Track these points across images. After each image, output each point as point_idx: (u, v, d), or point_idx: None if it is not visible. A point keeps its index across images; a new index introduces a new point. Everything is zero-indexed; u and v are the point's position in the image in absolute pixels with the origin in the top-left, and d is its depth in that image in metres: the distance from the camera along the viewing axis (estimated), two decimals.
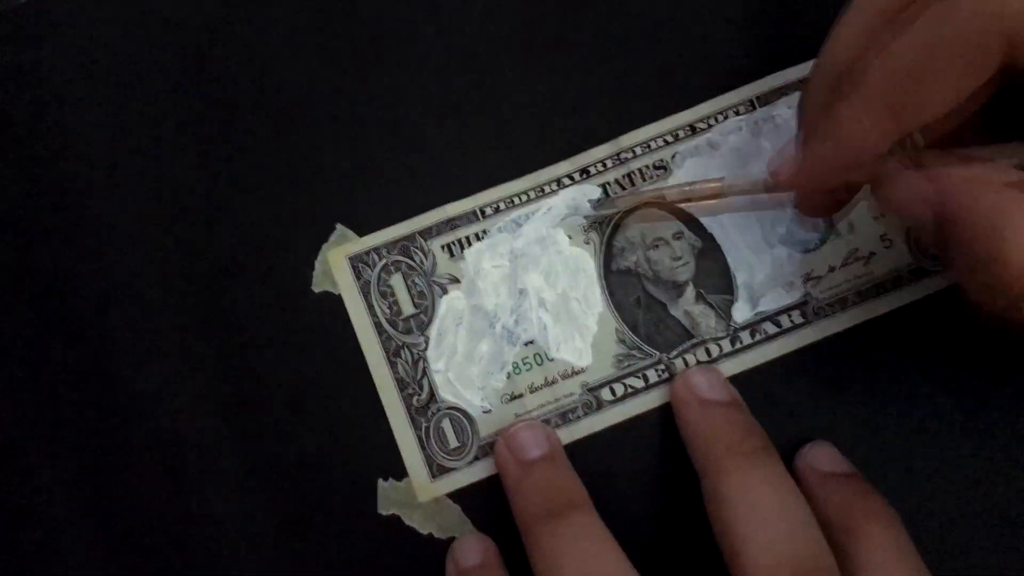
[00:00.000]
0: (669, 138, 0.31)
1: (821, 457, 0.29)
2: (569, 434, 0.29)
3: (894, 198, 0.24)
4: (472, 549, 0.29)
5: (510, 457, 0.28)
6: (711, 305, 0.30)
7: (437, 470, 0.29)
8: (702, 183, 0.29)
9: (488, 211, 0.31)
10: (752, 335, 0.30)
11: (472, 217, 0.31)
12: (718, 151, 0.31)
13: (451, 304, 0.30)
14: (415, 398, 0.30)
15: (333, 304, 0.30)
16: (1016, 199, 0.21)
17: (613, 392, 0.30)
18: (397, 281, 0.30)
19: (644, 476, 0.29)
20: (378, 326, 0.30)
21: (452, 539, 0.29)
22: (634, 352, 0.30)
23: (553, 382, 0.30)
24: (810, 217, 0.30)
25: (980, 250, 0.21)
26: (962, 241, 0.22)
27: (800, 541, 0.25)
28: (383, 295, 0.30)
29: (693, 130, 0.31)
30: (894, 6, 0.23)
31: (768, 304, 0.30)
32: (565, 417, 0.30)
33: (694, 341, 0.30)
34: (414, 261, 0.30)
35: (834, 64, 0.25)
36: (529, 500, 0.27)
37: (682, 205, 0.30)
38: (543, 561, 0.26)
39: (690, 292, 0.30)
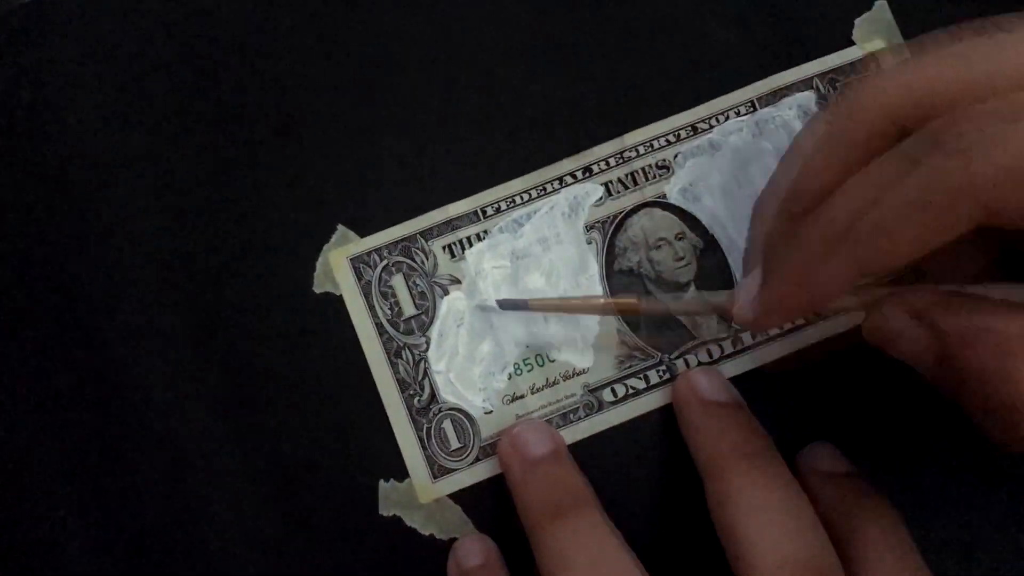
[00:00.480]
0: (671, 138, 0.31)
1: (822, 457, 0.29)
2: (570, 435, 0.29)
3: (891, 343, 0.23)
4: (474, 549, 0.28)
5: (514, 455, 0.28)
6: None
7: (438, 471, 0.29)
8: (623, 298, 0.29)
9: (489, 211, 0.30)
10: (753, 336, 0.30)
11: (473, 217, 0.30)
12: (719, 151, 0.31)
13: (452, 305, 0.30)
14: (416, 399, 0.30)
15: (334, 305, 0.30)
16: (1016, 338, 0.21)
17: (614, 393, 0.30)
18: (398, 282, 0.30)
19: (645, 477, 0.29)
20: (379, 327, 0.30)
21: (453, 540, 0.29)
22: (635, 353, 0.30)
23: (554, 383, 0.30)
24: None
25: (993, 397, 0.21)
26: (972, 388, 0.22)
27: (803, 542, 0.25)
28: (384, 296, 0.30)
29: (695, 130, 0.31)
30: (868, 144, 0.23)
31: None
32: (566, 418, 0.29)
33: (696, 342, 0.30)
34: (415, 262, 0.30)
35: (798, 193, 0.24)
36: (534, 498, 0.27)
37: (682, 206, 0.30)
38: (550, 559, 0.25)
39: (692, 293, 0.30)
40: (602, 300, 0.29)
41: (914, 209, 0.20)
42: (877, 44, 0.31)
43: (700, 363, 0.30)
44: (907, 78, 0.22)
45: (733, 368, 0.30)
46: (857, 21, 0.31)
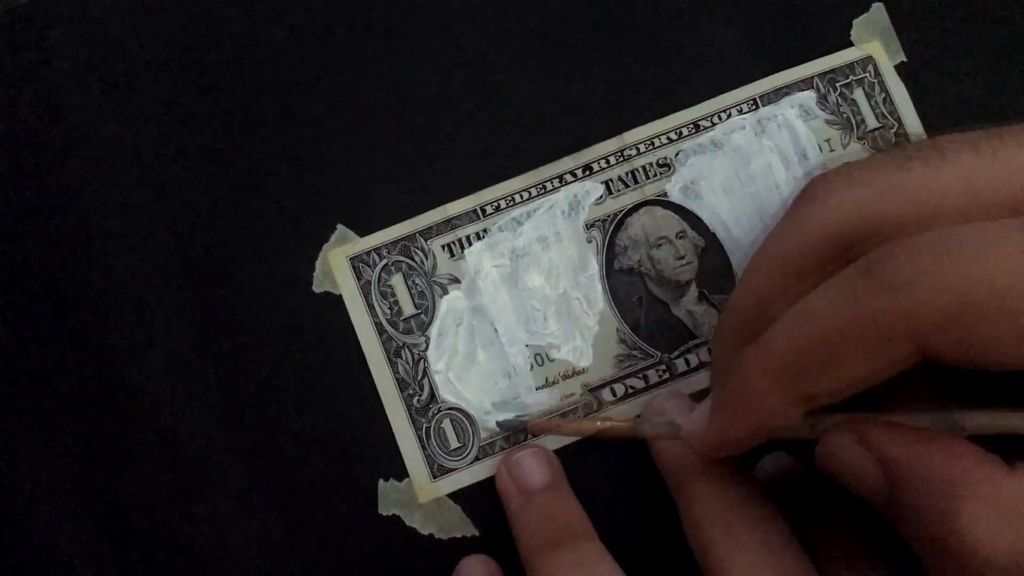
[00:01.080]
0: (673, 135, 0.31)
1: (777, 469, 0.28)
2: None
3: (842, 474, 0.23)
4: (477, 571, 0.28)
5: (513, 485, 0.28)
6: (714, 305, 0.30)
7: (438, 470, 0.29)
8: (617, 421, 0.29)
9: (488, 210, 0.30)
10: None
11: (472, 216, 0.30)
12: (721, 149, 0.31)
13: (451, 304, 0.30)
14: (416, 398, 0.29)
15: (334, 304, 0.30)
16: (970, 479, 0.20)
17: (614, 392, 0.29)
18: (398, 281, 0.30)
19: (645, 477, 0.29)
20: (379, 326, 0.30)
21: (453, 540, 0.29)
22: (635, 352, 0.30)
23: (554, 382, 0.29)
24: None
25: (938, 538, 0.20)
26: (917, 525, 0.21)
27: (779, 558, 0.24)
28: (383, 295, 0.30)
29: (697, 128, 0.31)
30: (801, 261, 0.22)
31: None
32: (566, 417, 0.29)
33: (696, 341, 0.30)
34: (414, 261, 0.30)
35: (740, 312, 0.23)
36: (532, 530, 0.27)
37: (684, 205, 0.30)
38: None
39: (693, 292, 0.30)
40: (598, 423, 0.28)
41: (850, 344, 0.20)
42: (874, 46, 0.31)
43: (701, 362, 0.30)
44: (851, 198, 0.21)
45: None
46: (855, 22, 0.31)
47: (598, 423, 0.28)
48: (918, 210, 0.20)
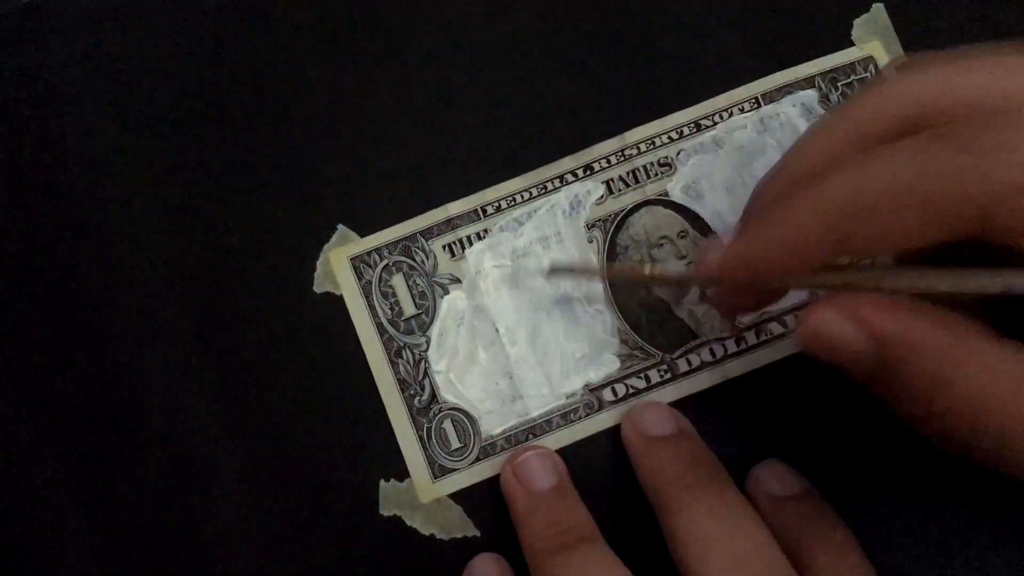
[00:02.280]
0: (674, 135, 0.30)
1: (771, 480, 0.28)
2: (571, 435, 0.29)
3: (827, 347, 0.22)
4: (489, 570, 0.28)
5: (519, 487, 0.28)
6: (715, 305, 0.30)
7: (439, 471, 0.29)
8: (632, 267, 0.29)
9: (489, 210, 0.30)
10: (758, 335, 0.29)
11: (473, 216, 0.30)
12: (723, 148, 0.30)
13: (452, 304, 0.30)
14: (417, 399, 0.29)
15: (334, 305, 0.30)
16: (958, 344, 0.20)
17: (615, 393, 0.29)
18: (398, 281, 0.30)
19: None
20: (379, 326, 0.29)
21: (454, 540, 0.29)
22: (636, 352, 0.29)
23: (555, 382, 0.29)
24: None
25: (931, 404, 0.21)
26: (910, 394, 0.21)
27: (756, 567, 0.24)
28: (384, 295, 0.30)
29: (698, 127, 0.30)
30: (870, 129, 0.22)
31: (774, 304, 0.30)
32: (567, 417, 0.29)
33: (698, 341, 0.29)
34: (415, 261, 0.30)
35: (793, 171, 0.23)
36: (538, 533, 0.26)
37: (685, 204, 0.30)
38: None
39: (694, 292, 0.30)
40: (647, 270, 0.28)
41: (914, 198, 0.20)
42: (875, 45, 0.31)
43: (703, 362, 0.29)
44: (934, 77, 0.21)
45: (737, 368, 0.29)
46: (855, 22, 0.31)
47: (647, 270, 0.28)
48: (999, 97, 0.20)
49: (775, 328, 0.29)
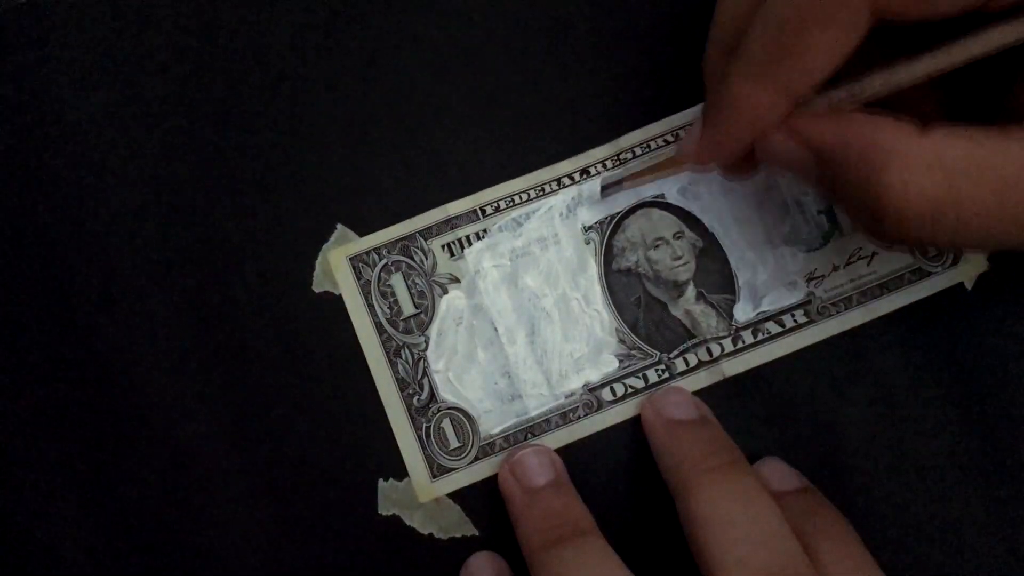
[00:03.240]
0: (669, 138, 0.30)
1: (771, 476, 0.28)
2: (569, 434, 0.29)
3: (770, 152, 0.24)
4: (484, 567, 0.28)
5: (516, 484, 0.28)
6: (712, 305, 0.30)
7: (437, 470, 0.29)
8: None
9: (488, 210, 0.30)
10: (754, 335, 0.29)
11: (472, 216, 0.30)
12: None
13: (451, 304, 0.30)
14: (415, 398, 0.29)
15: (333, 304, 0.30)
16: (884, 143, 0.21)
17: (613, 392, 0.29)
18: (397, 281, 0.30)
19: (645, 476, 0.29)
20: (378, 326, 0.29)
21: (452, 539, 0.29)
22: (634, 352, 0.29)
23: (554, 382, 0.29)
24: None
25: (861, 204, 0.22)
26: (844, 196, 0.22)
27: (773, 552, 0.24)
28: (383, 295, 0.30)
29: None
30: None
31: (770, 304, 0.30)
32: (566, 417, 0.29)
33: (695, 341, 0.29)
34: (414, 261, 0.30)
35: (722, 30, 0.25)
36: (535, 528, 0.26)
37: (682, 206, 0.30)
38: None
39: (691, 292, 0.30)
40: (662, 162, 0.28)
41: (812, 21, 0.21)
42: None
43: (700, 362, 0.29)
44: None
45: (733, 367, 0.29)
46: None
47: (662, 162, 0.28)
48: None
49: (771, 328, 0.29)
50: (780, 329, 0.29)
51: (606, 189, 0.29)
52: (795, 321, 0.29)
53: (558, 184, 0.30)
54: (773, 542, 0.24)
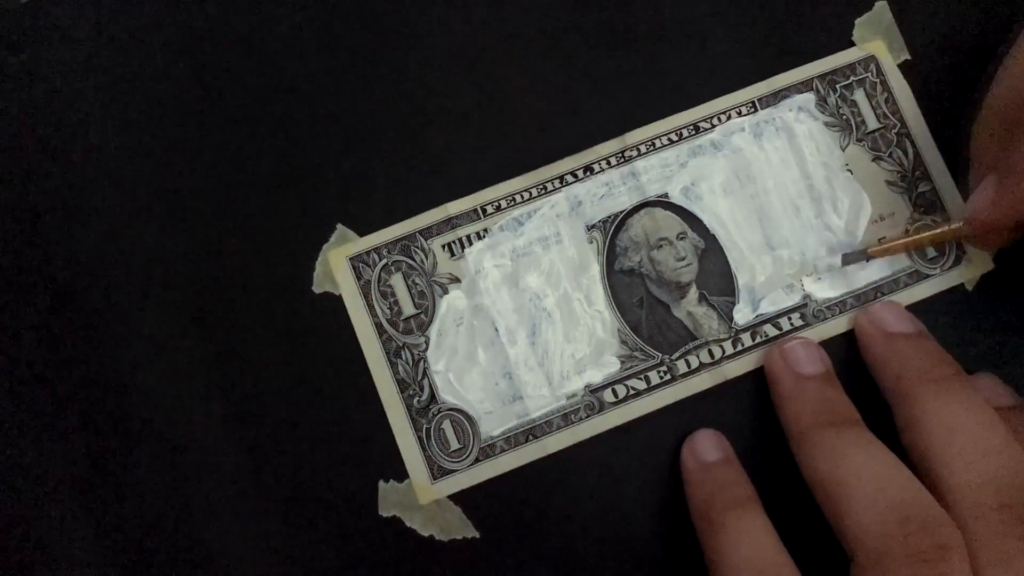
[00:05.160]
0: (674, 136, 0.30)
1: (987, 391, 0.28)
2: (571, 436, 0.28)
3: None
4: (713, 449, 0.28)
5: (785, 367, 0.27)
6: (713, 306, 0.29)
7: (438, 472, 0.28)
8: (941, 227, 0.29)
9: (489, 209, 0.29)
10: (753, 337, 0.29)
11: (473, 216, 0.29)
12: (721, 151, 0.30)
13: (452, 304, 0.29)
14: (416, 399, 0.28)
15: (333, 304, 0.29)
16: None
17: (615, 394, 0.28)
18: (397, 281, 0.29)
19: (647, 478, 0.28)
20: (378, 326, 0.29)
21: (453, 541, 0.28)
22: (636, 353, 0.29)
23: (555, 383, 0.29)
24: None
25: None
26: None
27: (1000, 460, 0.24)
28: (383, 295, 0.29)
29: (697, 129, 0.30)
30: None
31: (768, 306, 0.29)
32: (567, 418, 0.28)
33: (697, 343, 0.29)
34: (414, 261, 0.29)
35: (1011, 95, 0.25)
36: (808, 410, 0.26)
37: (684, 206, 0.29)
38: (829, 461, 0.25)
39: (693, 293, 0.29)
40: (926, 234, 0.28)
41: None
42: (877, 45, 0.30)
43: (702, 363, 0.29)
44: None
45: (734, 369, 0.29)
46: (857, 22, 0.30)
47: (926, 233, 0.28)
48: None
49: (769, 330, 0.29)
50: (777, 332, 0.29)
51: (847, 259, 0.29)
52: (791, 324, 0.29)
53: (561, 181, 0.30)
54: (1000, 451, 0.24)
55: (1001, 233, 0.27)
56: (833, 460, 0.25)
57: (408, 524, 0.28)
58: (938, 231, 0.28)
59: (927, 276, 0.29)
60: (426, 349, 0.29)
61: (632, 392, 0.28)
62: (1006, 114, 0.25)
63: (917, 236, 0.29)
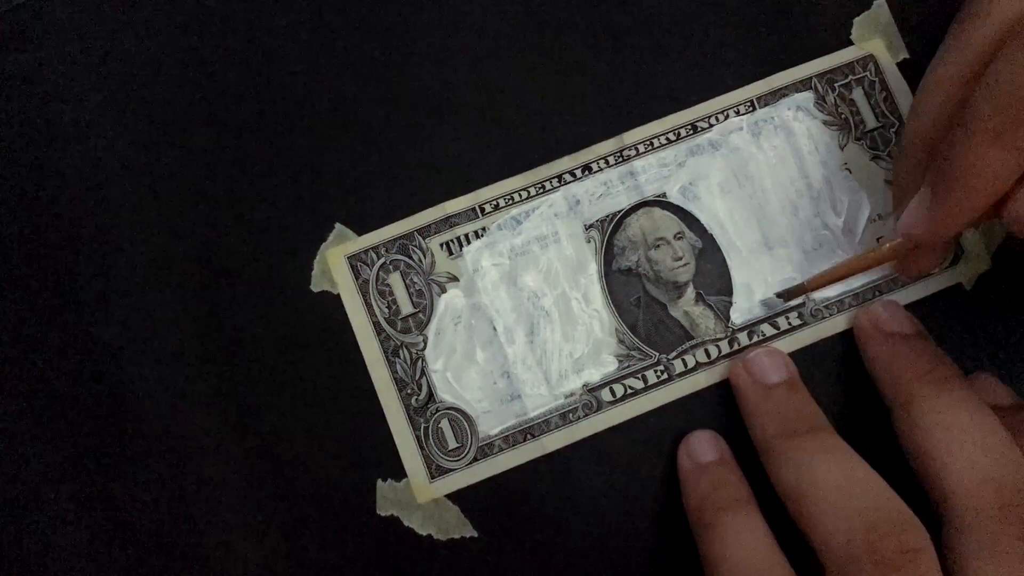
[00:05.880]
0: (672, 136, 0.30)
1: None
2: (569, 435, 0.28)
3: (1016, 214, 0.23)
4: (709, 450, 0.28)
5: (749, 379, 0.27)
6: (710, 306, 0.29)
7: (436, 471, 0.28)
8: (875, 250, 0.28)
9: (487, 208, 0.29)
10: (750, 336, 0.29)
11: (471, 215, 0.29)
12: (719, 151, 0.30)
13: (450, 303, 0.29)
14: (414, 398, 0.28)
15: (332, 303, 0.29)
16: None
17: (613, 393, 0.28)
18: (395, 280, 0.29)
19: (644, 477, 0.28)
20: (376, 325, 0.29)
21: (451, 540, 0.28)
22: (633, 352, 0.29)
23: (553, 382, 0.29)
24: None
25: None
26: None
27: (1001, 459, 0.24)
28: (381, 294, 0.29)
29: (695, 129, 0.30)
30: (976, 63, 0.24)
31: (766, 305, 0.29)
32: (565, 418, 0.28)
33: (694, 342, 0.29)
34: (412, 260, 0.29)
35: (926, 125, 0.25)
36: (771, 419, 0.26)
37: (682, 205, 0.29)
38: (793, 471, 0.25)
39: (690, 293, 0.29)
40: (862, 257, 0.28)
41: None
42: (876, 44, 0.30)
43: (698, 363, 0.29)
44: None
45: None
46: (856, 20, 0.30)
47: (863, 257, 0.28)
48: None
49: (766, 329, 0.29)
50: (775, 331, 0.29)
51: (785, 295, 0.29)
52: (789, 323, 0.29)
53: (559, 181, 0.29)
54: (1000, 450, 0.24)
55: (933, 251, 0.27)
56: (798, 470, 0.24)
57: (406, 523, 0.28)
58: (869, 254, 0.28)
59: (925, 275, 0.29)
60: (424, 348, 0.29)
61: (630, 391, 0.28)
62: (926, 140, 0.25)
63: (848, 261, 0.28)
